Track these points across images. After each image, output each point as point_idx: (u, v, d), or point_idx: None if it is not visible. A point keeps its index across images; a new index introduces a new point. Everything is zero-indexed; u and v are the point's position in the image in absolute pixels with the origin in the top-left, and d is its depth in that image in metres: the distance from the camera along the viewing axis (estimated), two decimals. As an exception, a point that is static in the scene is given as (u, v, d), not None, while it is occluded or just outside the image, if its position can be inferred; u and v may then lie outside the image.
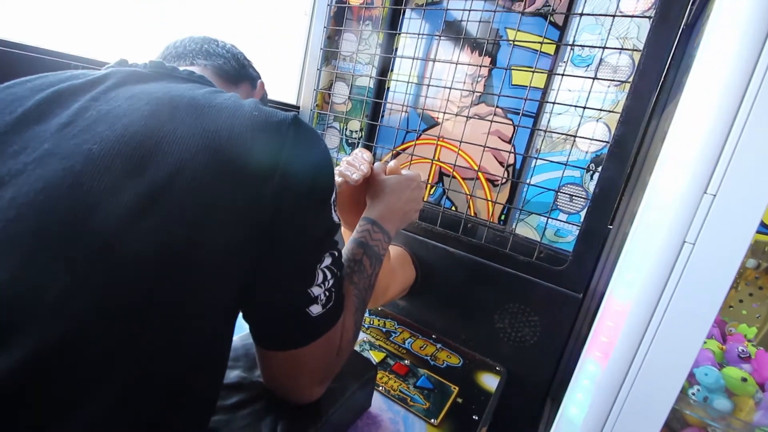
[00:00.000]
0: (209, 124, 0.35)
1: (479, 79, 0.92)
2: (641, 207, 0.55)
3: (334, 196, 0.42)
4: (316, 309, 0.41)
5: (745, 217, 0.43)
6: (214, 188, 0.33)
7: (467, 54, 0.95)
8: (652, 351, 0.48)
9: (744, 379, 0.64)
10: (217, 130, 0.35)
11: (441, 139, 0.92)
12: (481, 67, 0.93)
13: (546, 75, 0.85)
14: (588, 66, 0.80)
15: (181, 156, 0.33)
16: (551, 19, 0.83)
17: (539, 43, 0.83)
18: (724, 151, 0.43)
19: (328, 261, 0.42)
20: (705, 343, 0.74)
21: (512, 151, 0.90)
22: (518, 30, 0.86)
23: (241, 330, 0.62)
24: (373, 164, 0.64)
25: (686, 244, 0.45)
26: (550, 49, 0.85)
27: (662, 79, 0.70)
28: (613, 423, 0.51)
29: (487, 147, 0.87)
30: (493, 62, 0.91)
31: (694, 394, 0.66)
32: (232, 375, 0.53)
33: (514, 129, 0.92)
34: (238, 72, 0.57)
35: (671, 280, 0.46)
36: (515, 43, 0.84)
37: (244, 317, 0.42)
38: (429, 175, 0.99)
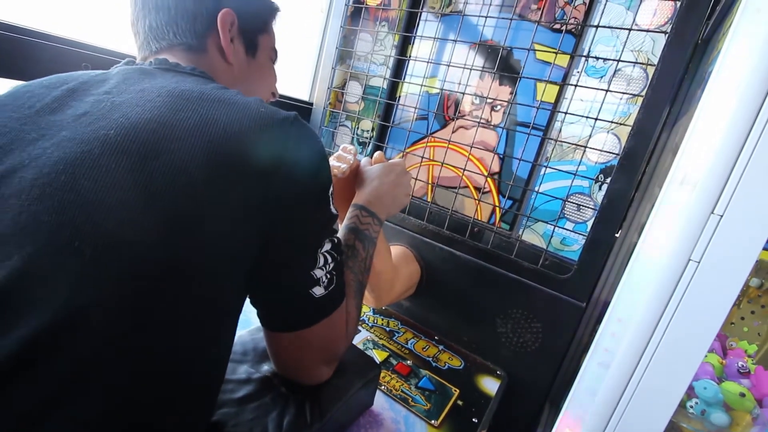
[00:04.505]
0: (220, 115, 0.37)
1: (498, 108, 0.93)
2: (649, 222, 0.56)
3: (331, 189, 0.45)
4: (319, 291, 0.44)
5: (750, 238, 0.43)
6: (221, 177, 0.35)
7: (488, 81, 0.96)
8: (652, 364, 0.49)
9: (742, 395, 0.65)
10: (229, 122, 0.37)
11: (451, 143, 0.93)
12: (495, 78, 0.93)
13: (558, 86, 0.86)
14: (602, 77, 0.80)
15: (193, 144, 0.35)
16: (568, 27, 0.84)
17: (555, 52, 0.83)
18: (734, 172, 0.44)
19: (328, 246, 0.44)
20: (705, 356, 0.75)
21: (520, 159, 0.91)
22: (534, 41, 0.87)
23: (250, 325, 0.64)
24: (357, 155, 0.68)
25: (691, 262, 0.45)
26: (564, 61, 0.85)
27: (675, 93, 0.70)
28: (612, 430, 0.52)
29: (497, 153, 0.88)
30: (515, 83, 0.92)
31: (692, 407, 0.67)
32: (241, 369, 0.54)
33: (498, 137, 0.93)
34: (194, 33, 0.49)
35: (675, 296, 0.47)
36: (534, 49, 0.85)
37: (252, 302, 0.45)
38: (429, 176, 1.00)
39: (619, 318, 0.56)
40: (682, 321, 0.46)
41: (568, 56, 0.84)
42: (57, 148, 0.34)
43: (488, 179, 0.96)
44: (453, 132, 1.00)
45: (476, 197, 0.97)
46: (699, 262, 0.45)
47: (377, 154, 0.73)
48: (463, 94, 0.91)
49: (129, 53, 0.75)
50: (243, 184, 0.36)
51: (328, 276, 0.45)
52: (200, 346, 0.38)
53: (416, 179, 0.98)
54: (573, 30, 0.84)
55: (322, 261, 0.44)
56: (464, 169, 0.91)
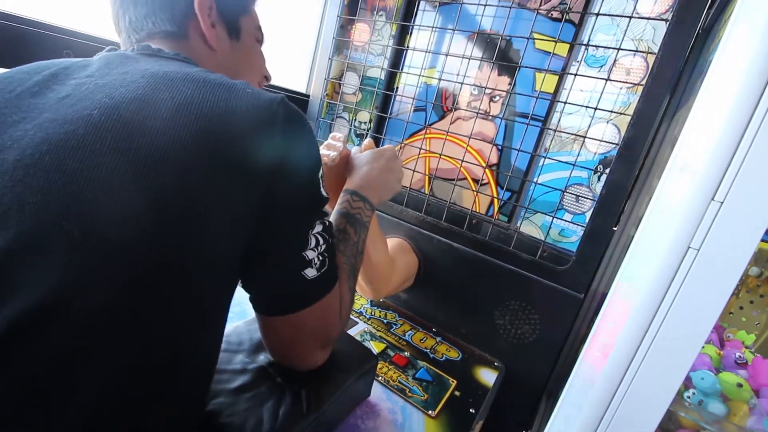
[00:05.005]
0: (206, 95, 0.37)
1: (497, 98, 0.92)
2: (648, 210, 0.56)
3: (321, 171, 0.45)
4: (311, 272, 0.43)
5: (750, 226, 0.43)
6: (208, 157, 0.35)
7: (486, 72, 0.94)
8: (650, 353, 0.49)
9: (740, 385, 0.65)
10: (215, 101, 0.37)
11: (449, 134, 0.92)
12: (494, 67, 0.92)
13: (558, 75, 0.85)
14: (601, 66, 0.79)
15: (178, 122, 0.34)
16: (567, 17, 0.83)
17: (554, 41, 0.83)
18: (734, 159, 0.43)
19: (319, 228, 0.44)
20: (703, 347, 0.75)
21: (519, 149, 0.90)
22: (533, 30, 0.86)
23: (245, 315, 0.63)
24: (346, 142, 0.68)
25: (691, 249, 0.45)
26: (563, 50, 0.84)
27: (675, 83, 0.69)
28: (608, 422, 0.52)
29: (495, 144, 0.88)
30: (513, 73, 0.91)
31: (689, 397, 0.67)
32: (236, 359, 0.54)
33: (497, 128, 0.92)
34: (172, 20, 0.48)
35: (674, 284, 0.46)
36: (533, 38, 0.84)
37: (243, 286, 0.45)
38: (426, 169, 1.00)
39: (618, 307, 0.56)
40: (681, 310, 0.46)
41: (568, 46, 0.83)
42: (39, 129, 0.34)
43: (486, 170, 0.95)
44: (451, 123, 0.99)
45: (474, 189, 0.96)
46: (698, 250, 0.45)
47: (367, 140, 0.73)
48: (462, 84, 0.90)
49: (112, 40, 0.74)
50: (230, 164, 0.36)
51: (320, 258, 0.44)
52: (190, 328, 0.38)
53: (414, 171, 0.98)
54: (572, 20, 0.83)
55: (313, 242, 0.43)
56: (462, 161, 0.90)
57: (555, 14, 0.85)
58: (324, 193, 0.45)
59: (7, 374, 0.28)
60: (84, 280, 0.30)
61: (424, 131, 1.01)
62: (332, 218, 0.57)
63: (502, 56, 0.92)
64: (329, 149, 0.67)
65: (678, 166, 0.50)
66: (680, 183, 0.46)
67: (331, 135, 0.69)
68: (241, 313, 0.47)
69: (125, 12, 0.47)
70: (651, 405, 0.50)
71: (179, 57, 0.45)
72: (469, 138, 0.87)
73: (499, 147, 0.94)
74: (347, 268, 0.52)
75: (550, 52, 0.85)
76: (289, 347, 0.49)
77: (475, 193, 0.97)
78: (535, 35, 0.87)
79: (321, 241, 0.44)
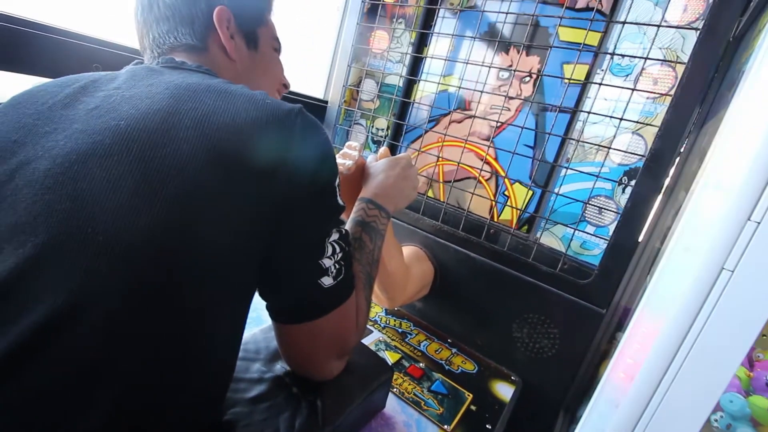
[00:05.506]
0: (227, 106, 0.38)
1: (527, 79, 0.90)
2: (679, 228, 0.54)
3: (338, 180, 0.45)
4: (327, 281, 0.43)
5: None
6: (227, 167, 0.36)
7: (511, 55, 0.93)
8: (679, 377, 0.47)
9: (772, 410, 0.62)
10: (236, 112, 0.38)
11: (468, 142, 0.91)
12: (516, 68, 0.91)
13: (583, 80, 0.83)
14: (627, 76, 0.78)
15: (200, 133, 0.36)
16: (598, 7, 0.80)
17: (579, 50, 0.81)
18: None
19: (335, 236, 0.44)
20: (732, 368, 0.72)
21: (540, 160, 0.88)
22: (560, 25, 0.84)
23: (262, 323, 0.63)
24: (362, 151, 0.68)
25: (725, 270, 0.43)
26: (594, 39, 0.82)
27: (705, 93, 0.67)
28: None
29: (517, 153, 0.86)
30: (542, 62, 0.89)
31: (716, 420, 0.65)
32: (253, 368, 0.54)
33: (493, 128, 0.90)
34: (192, 34, 0.49)
35: (706, 306, 0.44)
36: (558, 46, 0.82)
37: (261, 294, 0.45)
38: (440, 175, 0.99)
39: (646, 328, 0.54)
40: (713, 333, 0.44)
41: (596, 37, 0.81)
42: (69, 139, 0.35)
43: (506, 180, 0.94)
44: (470, 129, 0.97)
45: (492, 198, 0.95)
46: (733, 272, 0.43)
47: (382, 149, 0.73)
48: (482, 92, 0.89)
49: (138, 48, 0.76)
50: (250, 174, 0.37)
51: (337, 266, 0.44)
52: (203, 335, 0.38)
53: (432, 180, 0.97)
54: (602, 10, 0.81)
55: (330, 250, 0.43)
56: (481, 170, 0.89)
57: (581, 18, 0.84)
58: (340, 201, 0.45)
59: (33, 375, 0.29)
60: (106, 285, 0.31)
61: (441, 138, 1.01)
62: (348, 226, 0.57)
63: (531, 37, 0.89)
64: (345, 158, 0.67)
65: (711, 184, 0.48)
66: (714, 202, 0.45)
67: (346, 144, 0.70)
68: (257, 319, 0.47)
69: (149, 30, 0.49)
70: (679, 430, 0.48)
71: (201, 69, 0.47)
72: (488, 147, 0.85)
73: (529, 155, 0.92)
74: (363, 277, 0.52)
75: (578, 43, 0.83)
76: (305, 356, 0.49)
77: (493, 203, 0.95)
78: (563, 29, 0.85)
79: (338, 249, 0.44)
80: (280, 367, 0.55)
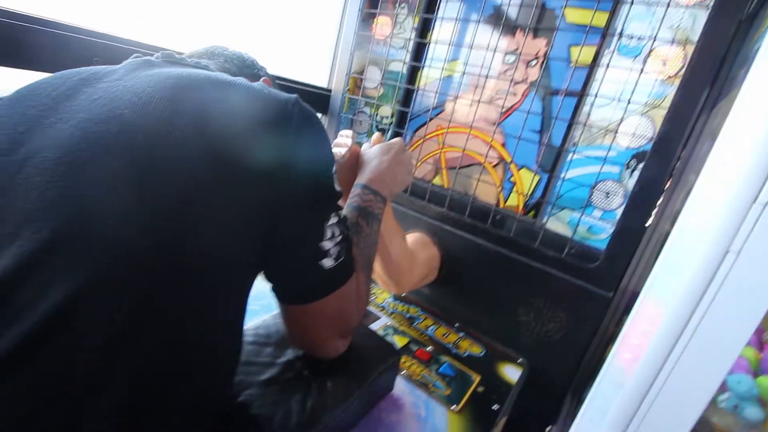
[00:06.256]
0: (228, 95, 0.40)
1: (534, 63, 0.89)
2: (685, 210, 0.54)
3: (334, 167, 0.46)
4: (328, 263, 0.45)
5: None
6: (228, 156, 0.37)
7: (518, 38, 0.92)
8: (684, 358, 0.47)
9: (779, 390, 0.62)
10: (235, 101, 0.39)
11: (473, 128, 0.90)
12: (521, 53, 0.90)
13: (590, 63, 0.82)
14: (636, 57, 0.76)
15: (202, 121, 0.37)
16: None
17: (587, 28, 0.80)
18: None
19: (334, 220, 0.46)
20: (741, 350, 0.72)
21: (546, 144, 0.88)
22: (567, 6, 0.82)
23: (272, 309, 0.65)
24: (355, 140, 0.70)
25: (730, 253, 0.43)
26: (602, 20, 0.80)
27: (716, 74, 0.66)
28: (637, 426, 0.51)
29: (522, 138, 0.86)
30: (549, 43, 0.88)
31: (723, 401, 0.65)
32: (265, 352, 0.56)
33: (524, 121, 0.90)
34: (240, 69, 0.60)
35: (711, 288, 0.45)
36: (563, 29, 0.81)
37: (266, 276, 0.46)
38: (442, 162, 0.99)
39: (651, 309, 0.54)
40: (719, 314, 0.44)
41: (603, 17, 0.79)
42: (76, 128, 0.36)
43: (512, 165, 0.94)
44: (475, 115, 0.97)
45: (498, 185, 0.95)
46: (738, 253, 0.43)
47: (375, 135, 0.74)
48: (486, 77, 0.88)
49: (138, 41, 0.76)
50: (250, 164, 0.38)
51: (337, 249, 0.46)
52: (215, 316, 0.39)
53: (437, 167, 0.97)
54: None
55: (329, 234, 0.45)
56: (486, 156, 0.89)
57: None
58: (338, 187, 0.47)
59: (50, 359, 0.30)
60: (120, 267, 0.32)
61: (446, 124, 1.00)
62: (344, 211, 0.58)
63: (537, 20, 0.88)
64: (338, 147, 0.69)
65: (718, 164, 0.48)
66: (721, 183, 0.44)
67: (340, 133, 0.71)
68: (267, 306, 0.49)
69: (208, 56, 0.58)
70: (682, 412, 0.49)
71: (200, 65, 0.49)
72: (494, 132, 0.85)
73: (536, 140, 0.91)
74: (362, 260, 0.54)
75: (584, 25, 0.81)
76: (309, 335, 0.51)
77: (498, 189, 0.95)
78: (569, 10, 0.83)
79: (337, 233, 0.46)
80: (290, 351, 0.56)
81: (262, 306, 0.71)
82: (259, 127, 0.39)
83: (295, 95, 0.44)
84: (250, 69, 0.62)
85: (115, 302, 0.32)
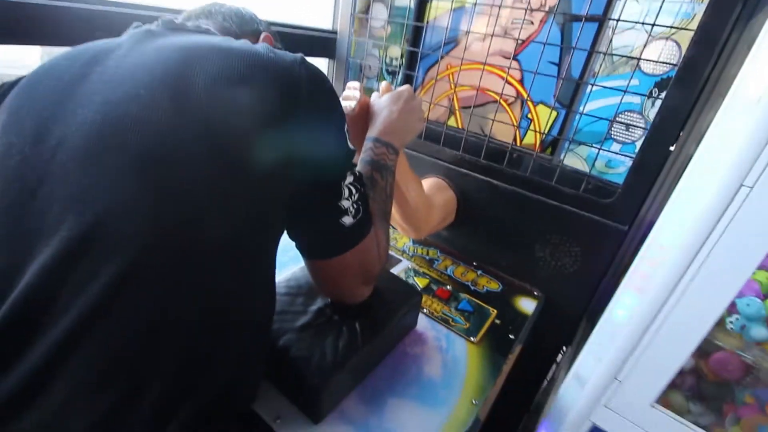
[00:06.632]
0: (235, 64, 0.40)
1: None
2: (702, 144, 0.53)
3: (346, 126, 0.47)
4: (348, 220, 0.48)
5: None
6: (251, 124, 0.39)
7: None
8: (693, 284, 0.49)
9: (787, 311, 0.64)
10: (243, 70, 0.40)
11: (487, 64, 0.86)
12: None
13: (612, -17, 0.75)
14: (663, -30, 0.69)
15: (216, 93, 0.38)
16: None
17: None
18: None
19: (350, 179, 0.48)
20: (754, 273, 0.73)
21: (563, 78, 0.84)
22: None
23: (299, 260, 0.70)
24: (363, 90, 0.69)
25: (744, 187, 0.43)
26: None
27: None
28: (648, 341, 0.54)
29: (539, 73, 0.82)
30: None
31: (731, 322, 0.68)
32: (297, 302, 0.61)
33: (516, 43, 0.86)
34: (239, 27, 0.59)
35: (723, 219, 0.45)
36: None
37: (290, 235, 0.50)
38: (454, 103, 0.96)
39: (662, 245, 0.56)
40: (725, 248, 0.46)
41: None
42: (97, 113, 0.37)
43: (529, 101, 0.91)
44: (489, 49, 0.92)
45: (515, 124, 0.93)
46: (752, 188, 0.43)
47: (383, 84, 0.73)
48: (500, 7, 0.83)
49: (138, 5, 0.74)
50: (267, 130, 0.39)
51: (355, 206, 0.49)
52: (249, 280, 0.44)
53: (450, 109, 0.95)
54: None
55: (347, 193, 0.47)
56: (501, 95, 0.86)
57: None
58: (351, 145, 0.48)
59: (111, 330, 0.34)
60: (165, 243, 0.35)
61: (458, 63, 0.96)
62: (359, 167, 0.60)
63: None
64: (347, 100, 0.68)
65: (737, 100, 0.46)
66: (738, 121, 0.43)
67: (347, 84, 0.70)
68: (296, 257, 0.53)
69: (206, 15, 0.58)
70: (691, 329, 0.52)
71: (201, 29, 0.49)
72: (509, 68, 0.81)
73: (553, 73, 0.87)
74: (379, 213, 0.56)
75: None
76: (336, 285, 0.56)
77: (515, 127, 0.93)
78: None
79: (354, 191, 0.48)
80: (320, 299, 0.62)
81: (290, 258, 0.76)
82: (271, 96, 0.40)
83: (300, 55, 0.43)
84: (249, 25, 0.61)
85: (159, 278, 0.35)
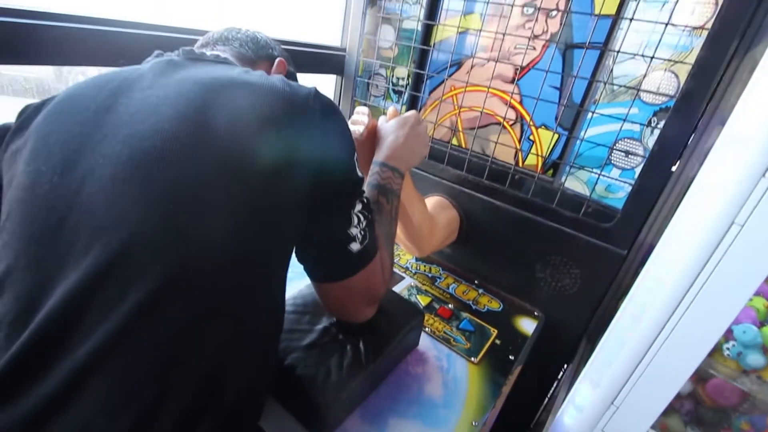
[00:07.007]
0: (252, 99, 0.42)
1: (554, 13, 0.85)
2: (699, 174, 0.54)
3: (356, 155, 0.50)
4: (355, 246, 0.50)
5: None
6: (268, 157, 0.41)
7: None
8: (688, 314, 0.51)
9: (782, 339, 0.66)
10: (261, 105, 0.42)
11: (491, 87, 0.89)
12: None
13: (614, 14, 0.78)
14: (663, 5, 0.72)
15: (234, 125, 0.40)
16: None
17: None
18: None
19: (359, 206, 0.50)
20: (751, 300, 0.75)
21: (565, 104, 0.86)
22: None
23: (305, 276, 0.71)
24: (371, 116, 0.72)
25: (735, 225, 0.45)
26: None
27: (748, 23, 0.62)
28: (644, 368, 0.55)
29: (541, 99, 0.84)
30: None
31: (728, 349, 0.70)
32: (304, 320, 0.63)
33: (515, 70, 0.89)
34: (255, 53, 0.62)
35: (715, 255, 0.47)
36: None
37: (299, 259, 0.52)
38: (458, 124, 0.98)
39: (658, 276, 0.58)
40: (718, 284, 0.47)
41: None
42: (124, 145, 0.39)
43: (531, 124, 0.93)
44: (493, 73, 0.95)
45: (517, 145, 0.95)
46: (743, 226, 0.45)
47: (391, 109, 0.75)
48: (504, 35, 0.85)
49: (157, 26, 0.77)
50: (286, 160, 0.42)
51: (362, 233, 0.51)
52: (266, 297, 0.47)
53: (454, 131, 0.97)
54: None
55: (356, 220, 0.50)
56: (504, 118, 0.88)
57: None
58: (360, 174, 0.50)
59: (133, 353, 0.36)
60: (189, 267, 0.38)
61: (462, 85, 0.98)
62: (366, 192, 0.62)
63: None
64: (356, 124, 0.71)
65: (731, 139, 0.48)
66: (730, 159, 0.45)
67: (356, 110, 0.73)
68: (301, 273, 0.56)
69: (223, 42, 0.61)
70: (687, 356, 0.53)
71: (219, 59, 0.52)
72: (511, 94, 0.83)
73: (555, 99, 0.90)
74: (384, 237, 0.59)
75: None
76: (341, 306, 0.58)
77: (517, 150, 0.95)
78: None
79: (362, 218, 0.51)
80: (326, 318, 0.64)
81: (295, 273, 0.78)
82: (286, 129, 0.43)
83: (313, 88, 0.46)
84: (264, 51, 0.64)
85: (182, 303, 0.38)
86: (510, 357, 0.77)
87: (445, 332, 0.79)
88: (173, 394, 0.38)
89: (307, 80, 1.06)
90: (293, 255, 0.51)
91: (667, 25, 0.67)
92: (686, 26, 0.68)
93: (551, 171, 0.94)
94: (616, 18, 0.76)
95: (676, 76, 0.72)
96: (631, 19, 0.70)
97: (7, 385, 0.34)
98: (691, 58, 0.68)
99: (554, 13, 0.85)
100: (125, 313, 0.35)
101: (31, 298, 0.38)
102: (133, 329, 0.36)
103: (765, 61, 0.47)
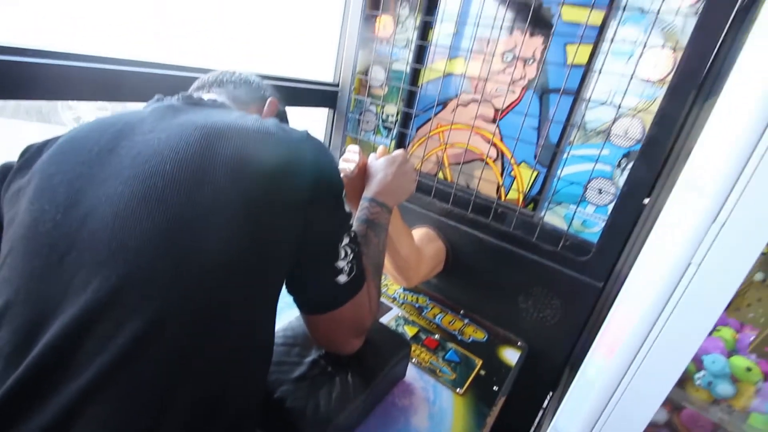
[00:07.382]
0: (249, 144, 0.46)
1: (531, 61, 0.92)
2: (657, 224, 0.59)
3: (344, 192, 0.54)
4: (342, 278, 0.53)
5: (749, 244, 0.46)
6: (264, 198, 0.44)
7: (515, 36, 0.94)
8: (657, 343, 0.54)
9: (749, 369, 0.70)
10: (257, 148, 0.46)
11: (476, 127, 0.95)
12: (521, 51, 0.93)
13: (585, 64, 0.85)
14: (629, 58, 0.79)
15: (231, 169, 0.43)
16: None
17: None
18: (740, 180, 0.46)
19: (347, 240, 0.53)
20: (719, 330, 0.79)
21: (542, 145, 0.92)
22: (563, 4, 0.84)
23: (294, 307, 0.73)
24: (362, 154, 0.77)
25: (692, 265, 0.49)
26: (598, 19, 0.82)
27: (703, 78, 0.69)
28: (616, 400, 0.58)
29: (520, 140, 0.90)
30: (546, 41, 0.90)
31: (699, 378, 0.73)
32: (293, 352, 0.65)
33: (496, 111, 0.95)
34: (248, 95, 0.67)
35: (674, 295, 0.51)
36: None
37: (289, 291, 0.55)
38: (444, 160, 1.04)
39: (626, 311, 0.61)
40: (678, 320, 0.51)
41: (599, 15, 0.81)
42: (126, 185, 0.42)
43: (512, 162, 0.99)
44: (476, 113, 1.01)
45: (500, 180, 1.00)
46: (699, 265, 0.49)
47: (380, 148, 0.80)
48: (486, 79, 0.92)
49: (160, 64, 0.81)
50: (280, 200, 0.45)
51: (350, 265, 0.54)
52: (257, 326, 0.49)
53: (440, 165, 1.02)
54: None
55: (343, 254, 0.53)
56: (487, 155, 0.94)
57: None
58: (347, 209, 0.54)
59: (130, 384, 0.37)
60: (181, 303, 0.40)
61: (442, 125, 1.04)
62: (355, 225, 0.66)
63: (534, 18, 0.90)
64: (347, 162, 0.75)
65: (687, 184, 0.53)
66: (687, 202, 0.50)
67: (347, 148, 0.78)
68: (291, 303, 0.58)
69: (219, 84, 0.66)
70: (658, 385, 0.56)
71: (216, 104, 0.56)
72: (492, 135, 0.89)
73: (533, 139, 0.95)
74: (371, 269, 0.62)
75: (580, 24, 0.84)
76: (329, 338, 0.60)
77: (500, 185, 1.00)
78: (567, 8, 0.85)
79: (349, 252, 0.54)
80: (314, 350, 0.66)
81: (285, 304, 0.80)
82: (281, 171, 0.46)
83: (305, 131, 0.51)
84: (256, 92, 0.68)
85: (177, 336, 0.39)
86: (494, 387, 0.79)
87: (431, 363, 0.81)
88: (168, 425, 0.39)
89: (303, 112, 1.11)
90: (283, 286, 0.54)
91: (631, 78, 0.73)
92: (648, 80, 0.75)
93: (531, 205, 0.99)
94: (587, 69, 0.83)
95: (642, 122, 0.78)
96: (599, 72, 0.77)
97: (4, 416, 0.35)
98: (655, 107, 0.74)
99: (531, 61, 0.92)
100: (121, 345, 0.37)
101: (29, 331, 0.39)
102: (129, 360, 0.37)
103: (715, 113, 0.53)
